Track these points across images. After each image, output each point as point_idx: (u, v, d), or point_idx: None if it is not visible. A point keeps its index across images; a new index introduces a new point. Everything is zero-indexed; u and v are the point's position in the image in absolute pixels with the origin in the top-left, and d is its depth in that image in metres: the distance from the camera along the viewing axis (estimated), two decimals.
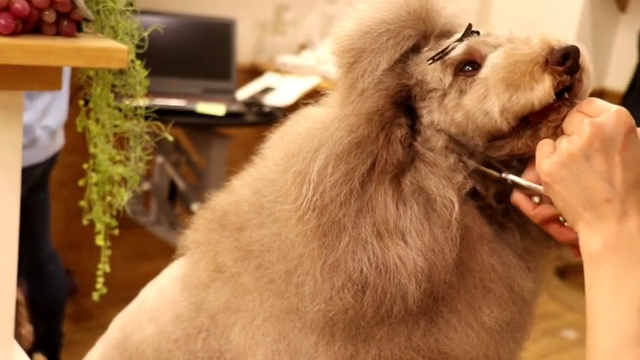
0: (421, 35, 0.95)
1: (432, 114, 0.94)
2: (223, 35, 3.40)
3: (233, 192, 1.05)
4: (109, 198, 1.27)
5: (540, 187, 0.88)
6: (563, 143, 0.81)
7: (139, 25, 1.12)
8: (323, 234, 0.86)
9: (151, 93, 2.98)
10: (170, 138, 1.20)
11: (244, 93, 3.43)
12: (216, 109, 3.02)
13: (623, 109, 0.80)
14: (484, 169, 0.92)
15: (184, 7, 3.61)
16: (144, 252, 3.68)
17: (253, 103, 3.25)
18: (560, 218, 0.89)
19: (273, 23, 4.05)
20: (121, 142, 1.22)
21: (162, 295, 1.12)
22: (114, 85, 1.17)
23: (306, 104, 1.01)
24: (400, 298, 0.86)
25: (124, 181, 1.24)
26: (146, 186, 3.65)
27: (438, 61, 0.92)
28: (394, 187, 0.89)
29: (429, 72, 0.93)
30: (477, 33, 0.93)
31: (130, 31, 1.10)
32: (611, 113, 0.80)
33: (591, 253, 0.80)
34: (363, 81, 0.91)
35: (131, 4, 1.11)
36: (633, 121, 0.79)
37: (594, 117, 0.81)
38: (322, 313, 0.88)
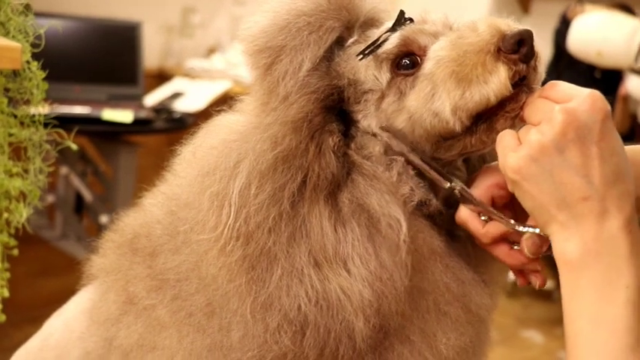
0: (345, 26, 0.85)
1: (368, 118, 0.84)
2: (128, 38, 3.26)
3: (144, 212, 0.92)
4: (5, 215, 1.14)
5: (496, 213, 0.80)
6: (532, 134, 0.71)
7: (34, 22, 1.00)
8: (251, 267, 0.75)
9: (52, 100, 2.81)
10: (74, 147, 1.09)
11: (152, 99, 3.30)
12: (124, 115, 2.88)
13: (597, 93, 0.71)
14: (433, 174, 0.83)
15: (86, 9, 3.44)
16: (49, 268, 3.48)
17: (162, 109, 3.12)
18: (510, 239, 0.81)
19: (180, 26, 3.92)
20: (17, 152, 1.10)
21: (69, 330, 0.98)
22: (7, 89, 1.05)
23: (218, 111, 0.89)
24: (346, 336, 0.75)
25: (22, 195, 1.12)
26: (50, 198, 3.47)
27: (370, 56, 0.82)
28: (330, 207, 0.77)
29: (362, 69, 0.83)
30: (411, 20, 0.84)
31: (24, 29, 0.99)
32: (584, 98, 0.70)
33: (568, 259, 0.71)
34: (285, 84, 0.80)
35: None
36: (609, 106, 0.71)
37: (563, 103, 0.71)
38: None
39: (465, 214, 0.82)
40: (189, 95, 3.32)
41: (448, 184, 0.82)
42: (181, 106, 3.19)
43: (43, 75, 1.05)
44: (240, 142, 0.80)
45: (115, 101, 3.10)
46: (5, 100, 1.06)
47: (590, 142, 0.69)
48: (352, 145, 0.83)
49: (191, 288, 0.83)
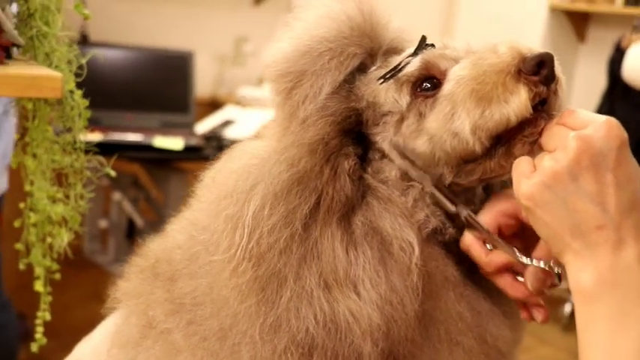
0: (367, 53, 0.85)
1: (387, 141, 0.83)
2: (181, 67, 3.33)
3: (167, 237, 0.93)
4: (49, 239, 1.17)
5: (502, 242, 0.79)
6: (546, 161, 0.70)
7: (78, 53, 1.03)
8: (261, 288, 0.75)
9: (106, 127, 2.85)
10: (112, 173, 1.11)
11: (204, 126, 3.35)
12: (174, 143, 2.93)
13: (614, 120, 0.69)
14: (439, 196, 0.82)
15: (141, 39, 3.53)
16: (101, 292, 3.53)
17: (213, 136, 3.17)
18: (514, 270, 0.79)
19: (232, 55, 3.99)
20: (60, 178, 1.13)
21: (96, 354, 0.99)
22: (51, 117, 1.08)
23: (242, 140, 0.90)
24: None
25: (64, 221, 1.14)
26: (103, 223, 3.54)
27: (391, 80, 0.82)
28: (343, 229, 0.77)
29: (382, 93, 0.83)
30: (433, 46, 0.84)
31: (68, 59, 1.02)
32: (600, 124, 0.69)
33: (583, 289, 0.69)
34: (304, 108, 0.80)
35: (68, 30, 1.03)
36: (625, 134, 0.69)
37: (579, 130, 0.70)
38: None
39: (469, 240, 0.81)
40: (240, 123, 3.36)
41: (454, 208, 0.81)
42: (232, 134, 3.23)
43: (86, 104, 1.07)
44: (259, 165, 0.80)
45: (167, 129, 3.16)
46: (50, 129, 1.09)
47: (605, 170, 0.68)
48: (369, 169, 0.83)
49: (205, 312, 0.83)
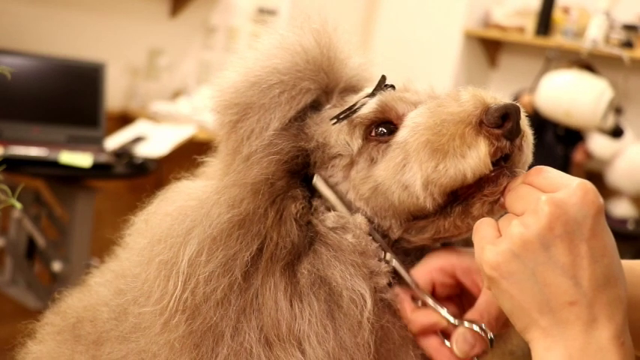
0: (322, 89, 0.79)
1: (336, 186, 0.77)
2: (91, 79, 3.16)
3: (90, 292, 0.83)
4: None
5: (428, 298, 0.73)
6: (515, 227, 0.63)
7: None
8: (195, 345, 0.67)
9: (8, 140, 2.66)
10: (18, 205, 0.99)
11: (114, 142, 3.20)
12: (82, 159, 2.77)
13: (589, 184, 0.64)
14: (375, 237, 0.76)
15: (48, 47, 3.35)
16: None
17: (123, 153, 3.02)
18: (440, 333, 0.73)
19: (146, 68, 3.85)
20: None
21: None
22: None
23: (178, 178, 0.82)
24: None
25: None
26: (0, 242, 3.32)
27: (344, 121, 0.76)
28: (287, 279, 0.70)
29: (333, 134, 0.77)
30: (392, 87, 0.78)
31: None
32: (575, 189, 0.63)
33: None
34: (249, 143, 0.75)
35: None
36: (601, 200, 0.64)
37: (550, 192, 0.64)
38: None
39: (397, 291, 0.75)
40: (152, 140, 3.22)
41: (382, 255, 0.75)
42: (143, 151, 3.09)
43: None
44: (196, 207, 0.73)
45: (75, 143, 3.00)
46: None
47: (580, 240, 0.62)
48: (317, 214, 0.76)
49: None
